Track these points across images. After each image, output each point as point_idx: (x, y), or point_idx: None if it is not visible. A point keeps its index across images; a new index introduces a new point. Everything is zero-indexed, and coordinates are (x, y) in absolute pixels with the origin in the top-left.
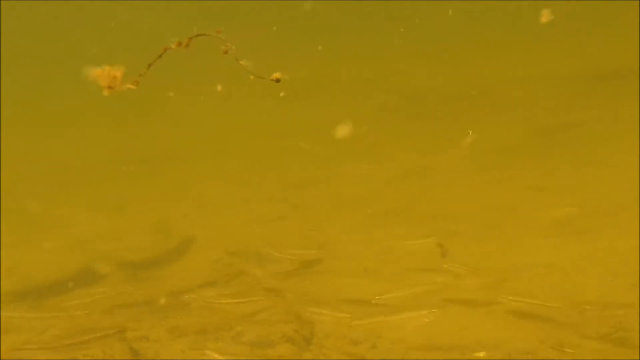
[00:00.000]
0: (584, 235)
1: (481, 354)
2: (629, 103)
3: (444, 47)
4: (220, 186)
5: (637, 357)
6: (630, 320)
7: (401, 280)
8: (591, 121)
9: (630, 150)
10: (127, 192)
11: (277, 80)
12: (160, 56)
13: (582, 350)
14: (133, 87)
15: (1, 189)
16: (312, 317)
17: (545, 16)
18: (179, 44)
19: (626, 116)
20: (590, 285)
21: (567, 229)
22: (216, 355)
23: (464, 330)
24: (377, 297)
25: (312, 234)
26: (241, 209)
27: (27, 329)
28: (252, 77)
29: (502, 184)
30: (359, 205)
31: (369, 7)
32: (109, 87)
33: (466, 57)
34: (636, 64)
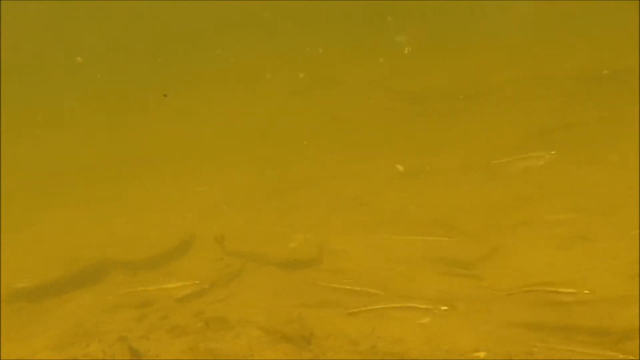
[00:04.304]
0: (583, 235)
1: (481, 354)
2: (629, 103)
3: (444, 47)
4: (220, 186)
5: (637, 357)
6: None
7: (401, 282)
8: (591, 121)
9: (630, 150)
10: (127, 192)
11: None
12: None
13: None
14: None
15: (1, 189)
16: (312, 316)
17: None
18: None
19: (626, 116)
20: (590, 284)
21: (567, 229)
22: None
23: (464, 330)
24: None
25: (311, 233)
26: (241, 208)
27: (28, 329)
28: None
29: (501, 183)
30: (359, 205)
31: (369, 7)
32: None
33: (466, 57)
34: (636, 64)
